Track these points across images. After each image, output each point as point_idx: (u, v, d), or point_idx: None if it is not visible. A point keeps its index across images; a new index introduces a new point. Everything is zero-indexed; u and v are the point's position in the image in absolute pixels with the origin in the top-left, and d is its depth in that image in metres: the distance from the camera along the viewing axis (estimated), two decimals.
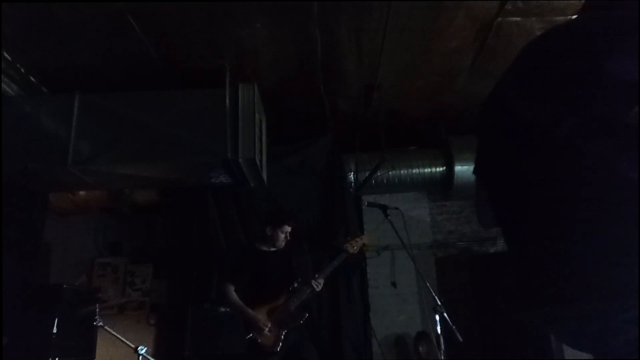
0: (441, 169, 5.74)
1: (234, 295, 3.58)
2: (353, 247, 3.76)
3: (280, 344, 3.44)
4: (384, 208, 3.82)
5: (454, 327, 3.33)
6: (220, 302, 5.05)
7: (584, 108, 0.93)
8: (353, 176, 5.75)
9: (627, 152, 0.88)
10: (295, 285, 3.60)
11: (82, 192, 5.39)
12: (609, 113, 0.90)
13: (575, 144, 0.93)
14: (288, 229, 3.68)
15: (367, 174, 5.58)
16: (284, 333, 3.46)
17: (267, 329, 3.42)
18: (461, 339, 3.31)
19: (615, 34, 0.95)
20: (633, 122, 0.87)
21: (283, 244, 3.69)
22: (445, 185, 5.80)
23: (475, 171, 1.28)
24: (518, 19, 3.77)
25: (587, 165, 0.93)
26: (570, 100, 0.95)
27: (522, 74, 1.11)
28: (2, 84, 3.96)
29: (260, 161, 4.28)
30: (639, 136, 0.86)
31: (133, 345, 3.20)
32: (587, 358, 1.14)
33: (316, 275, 3.61)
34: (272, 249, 3.71)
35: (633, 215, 0.88)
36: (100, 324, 3.44)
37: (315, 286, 3.55)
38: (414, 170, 5.76)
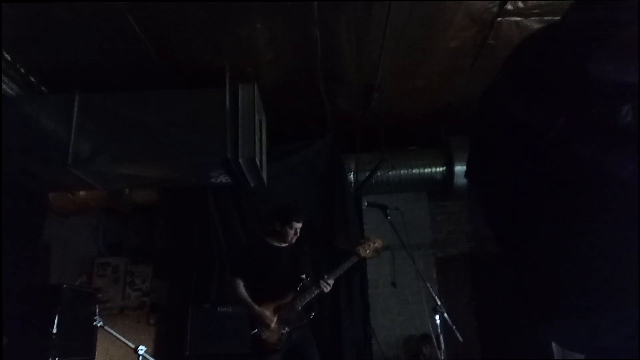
0: (441, 169, 5.74)
1: (242, 291, 3.53)
2: (365, 251, 3.72)
3: (283, 342, 3.43)
4: (384, 208, 3.82)
5: (454, 327, 3.33)
6: (222, 300, 5.06)
7: (573, 109, 0.93)
8: (353, 176, 5.75)
9: (617, 152, 0.88)
10: (303, 284, 3.57)
11: (82, 192, 5.39)
12: (598, 113, 0.90)
13: (567, 145, 0.93)
14: (298, 225, 3.64)
15: (367, 174, 5.58)
16: (287, 331, 3.46)
17: (272, 325, 3.41)
18: (461, 339, 3.31)
19: (599, 34, 0.95)
20: (622, 121, 0.87)
21: (294, 240, 3.65)
22: (445, 185, 5.80)
23: (467, 174, 1.28)
24: (518, 19, 3.77)
25: (578, 166, 0.93)
26: (560, 101, 0.95)
27: (515, 75, 1.10)
28: (2, 84, 3.96)
29: (260, 161, 4.28)
30: (629, 136, 0.86)
31: (133, 345, 3.19)
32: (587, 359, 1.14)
33: (325, 277, 3.57)
34: (283, 245, 3.67)
35: (623, 214, 0.88)
36: (100, 324, 3.43)
37: (323, 287, 3.52)
38: (414, 170, 5.77)
